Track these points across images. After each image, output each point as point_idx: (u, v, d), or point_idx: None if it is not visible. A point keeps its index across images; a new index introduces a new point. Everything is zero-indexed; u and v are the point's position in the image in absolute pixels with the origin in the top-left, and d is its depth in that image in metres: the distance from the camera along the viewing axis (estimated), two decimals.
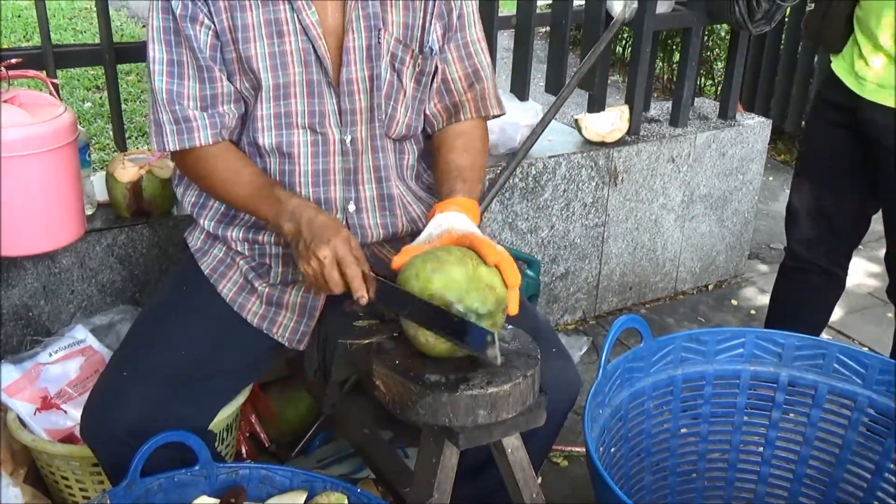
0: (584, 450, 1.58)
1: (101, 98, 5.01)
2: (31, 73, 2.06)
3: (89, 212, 2.20)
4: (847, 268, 2.45)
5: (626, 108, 2.99)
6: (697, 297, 3.38)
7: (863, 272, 3.56)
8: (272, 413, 2.30)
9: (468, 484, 1.61)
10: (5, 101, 1.85)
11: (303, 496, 1.59)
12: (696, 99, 3.43)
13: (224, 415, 1.93)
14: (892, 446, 1.88)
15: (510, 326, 1.48)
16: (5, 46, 2.40)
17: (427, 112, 1.75)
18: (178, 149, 1.62)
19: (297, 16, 1.58)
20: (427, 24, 1.67)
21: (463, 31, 1.73)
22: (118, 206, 2.22)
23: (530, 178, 2.80)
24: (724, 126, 3.22)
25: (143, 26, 6.77)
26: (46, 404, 1.96)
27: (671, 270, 3.31)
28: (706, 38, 4.64)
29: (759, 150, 3.33)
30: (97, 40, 2.30)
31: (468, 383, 1.34)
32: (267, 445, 2.29)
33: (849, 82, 2.14)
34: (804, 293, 2.48)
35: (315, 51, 1.60)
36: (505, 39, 4.55)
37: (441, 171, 1.69)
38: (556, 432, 1.72)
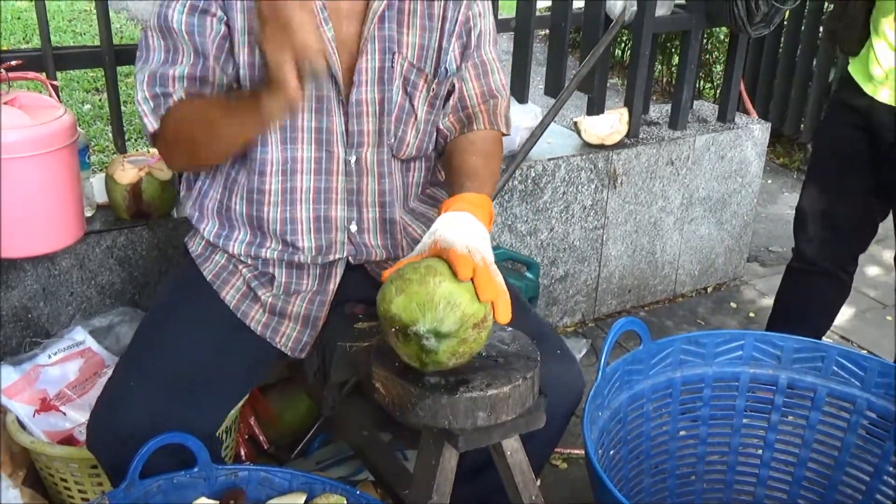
0: (584, 452, 1.59)
1: (100, 100, 5.01)
2: (31, 74, 2.06)
3: (89, 213, 2.20)
4: (853, 272, 2.44)
5: (625, 111, 2.99)
6: (696, 300, 3.38)
7: (863, 275, 3.56)
8: (271, 415, 2.30)
9: (467, 485, 1.61)
10: (5, 103, 1.85)
11: (302, 498, 1.59)
12: (696, 102, 3.44)
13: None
14: (890, 449, 1.88)
15: (510, 329, 1.48)
16: (5, 48, 2.40)
17: (440, 126, 1.73)
18: (157, 124, 1.56)
19: None
20: (444, 44, 1.66)
21: (480, 49, 1.71)
22: (117, 207, 2.22)
23: (529, 181, 2.81)
24: (723, 129, 3.22)
25: (143, 28, 6.77)
26: (45, 406, 1.96)
27: (670, 273, 3.32)
28: (705, 40, 4.64)
29: (758, 153, 3.33)
30: (97, 42, 2.30)
31: (468, 385, 1.34)
32: (266, 447, 2.29)
33: (864, 84, 2.13)
34: (809, 295, 2.47)
35: (329, 67, 1.57)
36: (504, 42, 4.55)
37: (453, 172, 1.65)
38: (557, 435, 1.71)
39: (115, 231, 2.22)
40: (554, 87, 3.05)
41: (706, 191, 3.24)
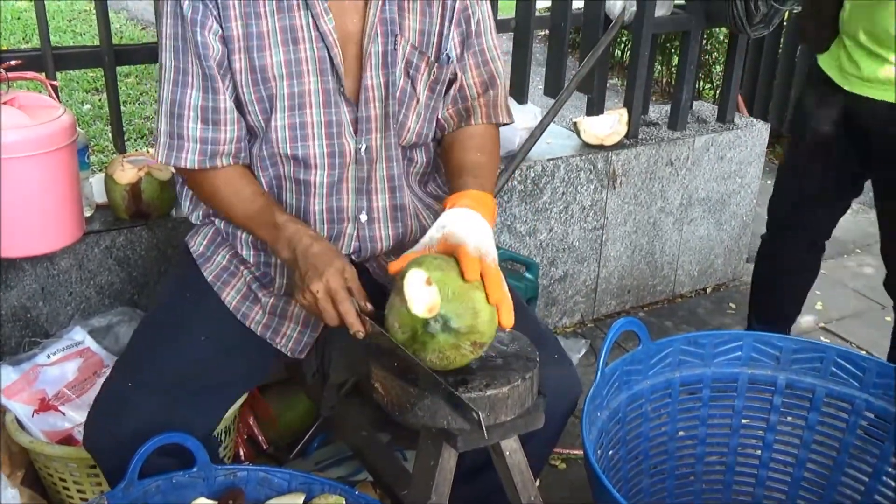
0: (582, 452, 1.58)
1: (100, 100, 5.01)
2: (31, 74, 2.06)
3: (88, 213, 2.20)
4: (821, 254, 2.61)
5: (624, 112, 2.99)
6: (696, 301, 3.38)
7: (860, 275, 3.57)
8: (270, 415, 2.30)
9: (466, 486, 1.61)
10: (5, 103, 1.85)
11: (301, 498, 1.59)
12: (695, 102, 3.44)
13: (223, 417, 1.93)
14: (889, 449, 1.88)
15: (508, 330, 1.48)
16: (4, 48, 2.40)
17: (439, 116, 1.73)
18: (164, 163, 1.63)
19: (315, 22, 1.56)
20: (445, 31, 1.66)
21: (480, 37, 1.71)
22: (117, 207, 2.22)
23: (529, 181, 2.81)
24: (722, 129, 3.22)
25: (143, 28, 6.78)
26: (44, 406, 1.96)
27: (669, 273, 3.32)
28: (705, 41, 4.64)
29: (758, 154, 3.33)
30: (96, 42, 2.30)
31: (467, 386, 1.34)
32: (265, 448, 2.29)
33: (836, 78, 2.25)
34: (780, 275, 2.64)
35: (331, 59, 1.58)
36: (504, 42, 4.56)
37: (454, 169, 1.65)
38: (555, 436, 1.72)
39: (115, 231, 2.22)
40: (553, 88, 3.05)
41: (705, 191, 3.24)
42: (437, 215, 1.77)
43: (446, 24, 1.66)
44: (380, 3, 1.59)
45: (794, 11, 2.38)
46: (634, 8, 2.89)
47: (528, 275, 2.68)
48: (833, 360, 1.91)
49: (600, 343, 1.83)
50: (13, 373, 1.98)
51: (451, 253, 1.38)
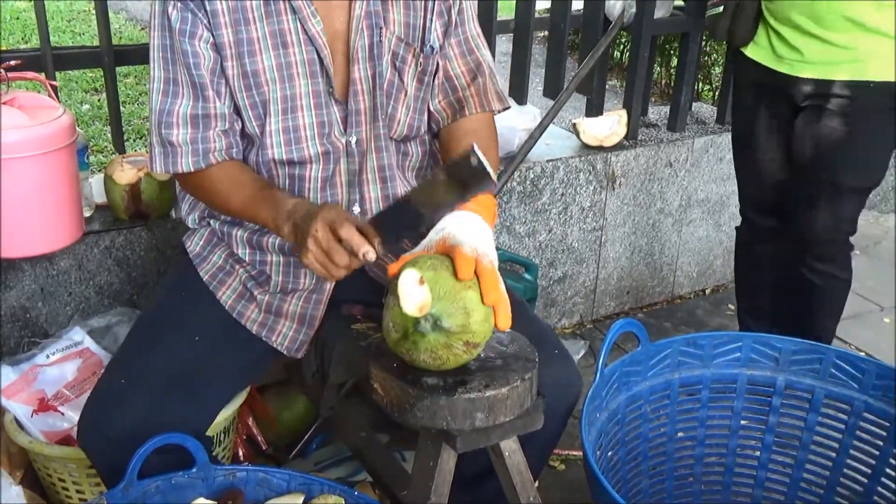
0: (582, 453, 1.59)
1: (99, 100, 5.01)
2: (30, 74, 2.06)
3: (87, 214, 2.20)
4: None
5: (623, 113, 2.99)
6: (695, 302, 3.38)
7: (857, 277, 3.56)
8: (269, 416, 2.30)
9: (468, 493, 1.61)
10: (4, 103, 1.85)
11: (300, 498, 1.59)
12: (694, 104, 3.44)
13: (221, 417, 1.93)
14: (888, 451, 1.88)
15: (508, 329, 1.48)
16: (4, 48, 2.40)
17: (431, 109, 1.74)
18: (161, 171, 1.63)
19: (302, 25, 1.57)
20: (428, 23, 1.67)
21: (463, 26, 1.72)
22: (116, 208, 2.22)
23: (528, 182, 2.81)
24: (721, 131, 3.22)
25: (142, 29, 6.78)
26: (43, 406, 1.96)
27: (668, 275, 3.32)
28: (704, 42, 4.64)
29: None
30: (96, 42, 2.30)
31: (466, 386, 1.34)
32: (264, 448, 2.28)
33: (774, 65, 2.37)
34: (762, 261, 2.68)
35: (321, 60, 1.59)
36: (503, 43, 4.55)
37: None
38: (555, 436, 1.71)
39: (114, 231, 2.22)
40: (553, 89, 3.06)
41: (704, 193, 3.24)
42: None
43: (429, 15, 1.67)
44: (364, 3, 1.60)
45: (712, 14, 2.50)
46: (634, 9, 2.89)
47: (527, 276, 2.68)
48: (832, 361, 1.91)
49: (599, 344, 1.83)
50: (12, 373, 1.98)
51: (449, 254, 1.37)
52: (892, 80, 2.22)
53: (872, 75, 2.23)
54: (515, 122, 2.74)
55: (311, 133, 1.63)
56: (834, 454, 1.96)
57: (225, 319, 1.70)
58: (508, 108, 1.80)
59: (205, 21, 1.55)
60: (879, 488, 1.91)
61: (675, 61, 5.02)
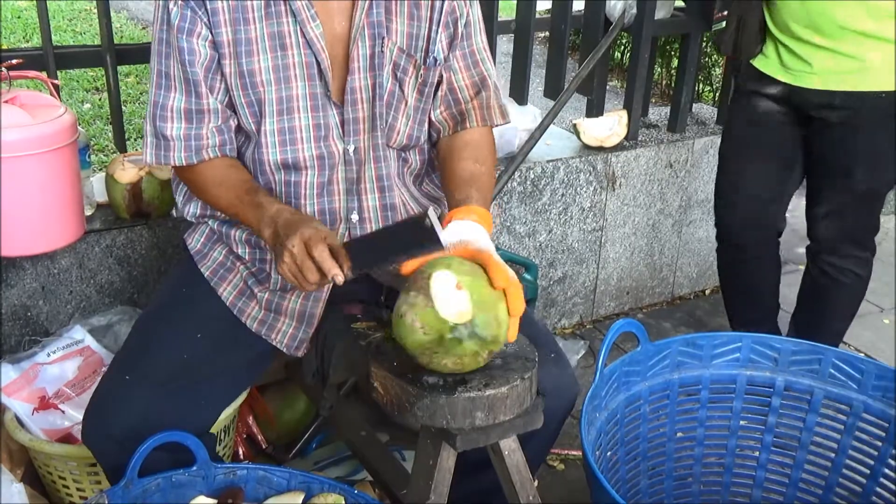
0: (581, 453, 1.59)
1: (100, 99, 5.01)
2: (32, 73, 2.06)
3: (89, 213, 2.21)
4: (777, 246, 2.67)
5: (624, 113, 3.00)
6: (694, 302, 3.39)
7: None
8: (269, 415, 2.31)
9: (468, 482, 1.61)
10: (6, 102, 1.85)
11: (300, 497, 1.60)
12: (695, 105, 3.44)
13: (222, 416, 1.93)
14: (887, 451, 1.89)
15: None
16: (5, 47, 2.40)
17: (433, 118, 1.74)
18: (153, 163, 1.64)
19: (301, 28, 1.57)
20: (432, 35, 1.67)
21: (469, 39, 1.72)
22: (117, 207, 2.22)
23: (528, 182, 2.81)
24: (721, 132, 3.22)
25: (143, 28, 6.78)
26: (44, 404, 1.96)
27: (668, 275, 3.32)
28: (704, 43, 4.65)
29: None
30: (96, 42, 2.30)
31: (466, 385, 1.34)
32: (264, 447, 2.29)
33: (778, 75, 2.37)
34: (747, 276, 2.70)
35: (318, 64, 1.60)
36: (504, 44, 4.56)
37: (453, 178, 1.65)
38: (553, 436, 1.72)
39: (115, 230, 2.23)
40: (553, 89, 3.06)
41: (704, 193, 3.24)
42: None
43: (434, 26, 1.67)
44: (366, 5, 1.60)
45: (717, 28, 2.50)
46: (634, 10, 2.89)
47: (527, 276, 2.68)
48: (831, 362, 1.91)
49: (599, 344, 1.84)
50: (13, 371, 1.99)
51: (474, 259, 1.39)
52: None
53: (882, 85, 2.25)
54: (516, 122, 2.74)
55: (306, 135, 1.63)
56: (833, 454, 1.96)
57: (226, 317, 1.71)
58: (509, 122, 1.80)
59: (204, 19, 1.56)
60: (878, 489, 1.91)
61: (675, 62, 5.02)
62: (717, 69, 5.53)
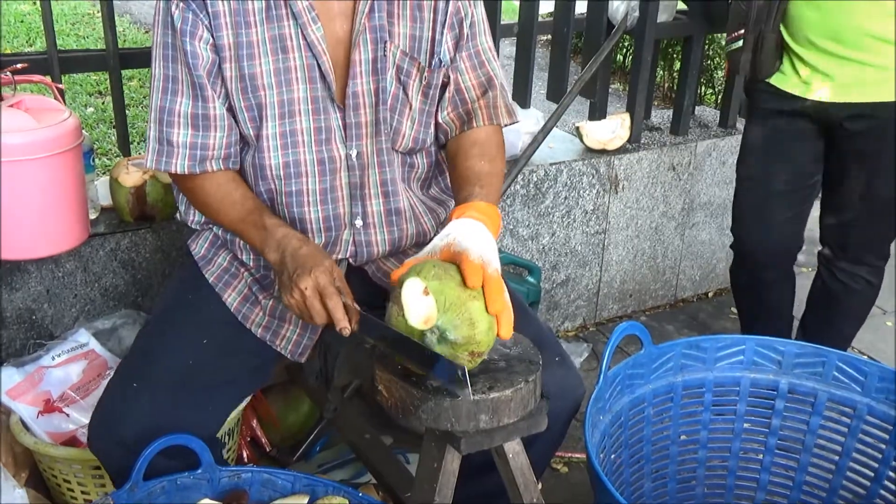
0: (585, 456, 1.59)
1: (103, 103, 5.02)
2: (37, 77, 2.07)
3: (93, 216, 2.21)
4: (794, 262, 2.64)
5: (626, 116, 3.00)
6: (697, 305, 3.39)
7: None
8: (273, 418, 2.31)
9: (472, 484, 1.61)
10: (10, 106, 1.86)
11: (304, 500, 1.60)
12: (697, 107, 3.45)
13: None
14: (891, 454, 1.88)
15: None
16: (9, 51, 2.41)
17: (440, 120, 1.73)
18: (154, 168, 1.63)
19: (302, 31, 1.57)
20: (437, 36, 1.66)
21: (475, 39, 1.71)
22: (121, 210, 2.23)
23: (531, 185, 2.82)
24: (724, 134, 3.23)
25: (146, 32, 6.79)
26: (49, 407, 1.97)
27: (671, 278, 3.32)
28: (707, 46, 4.65)
29: None
30: (99, 46, 2.31)
31: (470, 388, 1.34)
32: (268, 450, 2.29)
33: (793, 89, 2.35)
34: (762, 293, 2.65)
35: (319, 66, 1.59)
36: (507, 47, 4.57)
37: (459, 178, 1.64)
38: (558, 439, 1.72)
39: (119, 234, 2.23)
40: (556, 92, 3.06)
41: (707, 196, 3.25)
42: (438, 218, 1.78)
43: (438, 28, 1.66)
44: (367, 8, 1.59)
45: (732, 49, 2.48)
46: (637, 13, 2.90)
47: (530, 279, 2.69)
48: (835, 364, 1.91)
49: (602, 347, 1.84)
50: (18, 374, 1.99)
51: (454, 260, 1.37)
52: None
53: None
54: (519, 125, 2.74)
55: (308, 138, 1.62)
56: (836, 457, 1.96)
57: (231, 322, 1.71)
58: (517, 122, 1.78)
59: (206, 22, 1.55)
60: (882, 491, 1.91)
61: (678, 65, 5.02)
62: (719, 71, 5.53)
